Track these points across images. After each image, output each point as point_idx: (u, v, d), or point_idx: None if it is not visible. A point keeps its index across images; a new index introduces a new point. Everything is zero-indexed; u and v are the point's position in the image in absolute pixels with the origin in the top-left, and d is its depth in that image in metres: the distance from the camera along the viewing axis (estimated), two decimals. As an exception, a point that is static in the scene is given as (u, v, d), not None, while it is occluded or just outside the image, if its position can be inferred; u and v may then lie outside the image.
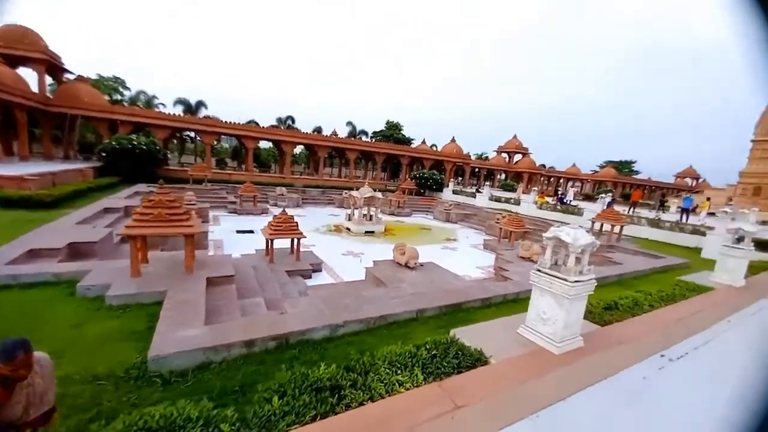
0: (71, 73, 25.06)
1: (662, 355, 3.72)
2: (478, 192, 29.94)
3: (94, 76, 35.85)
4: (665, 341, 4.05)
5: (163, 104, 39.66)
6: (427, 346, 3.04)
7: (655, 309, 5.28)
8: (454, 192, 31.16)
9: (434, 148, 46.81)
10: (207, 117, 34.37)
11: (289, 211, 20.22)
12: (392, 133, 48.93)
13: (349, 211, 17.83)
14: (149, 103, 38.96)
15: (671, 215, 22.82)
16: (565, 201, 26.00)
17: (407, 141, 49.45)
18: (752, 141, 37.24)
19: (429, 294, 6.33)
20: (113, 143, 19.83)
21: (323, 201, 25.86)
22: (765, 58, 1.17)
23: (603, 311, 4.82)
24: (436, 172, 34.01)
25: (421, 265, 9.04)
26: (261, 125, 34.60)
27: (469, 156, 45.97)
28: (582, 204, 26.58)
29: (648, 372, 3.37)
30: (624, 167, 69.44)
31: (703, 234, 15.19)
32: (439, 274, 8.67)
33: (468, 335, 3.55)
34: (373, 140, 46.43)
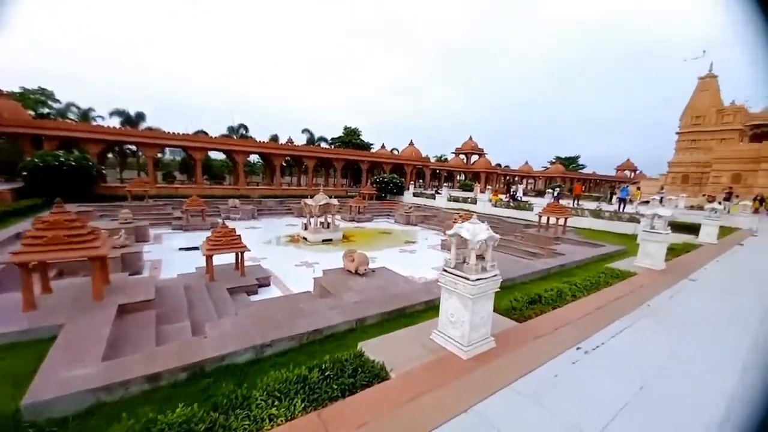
0: (-15, 86, 22.47)
1: (578, 348, 3.63)
2: (437, 193, 30.48)
3: (17, 89, 32.53)
4: (582, 332, 3.98)
5: (101, 117, 36.66)
6: (323, 366, 2.78)
7: (578, 299, 5.27)
8: (415, 194, 31.51)
9: (395, 152, 47.22)
10: (148, 128, 32.24)
11: (244, 224, 19.46)
12: (351, 138, 48.77)
13: (305, 220, 17.37)
14: (85, 115, 35.77)
15: (612, 206, 24.53)
16: (516, 198, 27.11)
17: (366, 146, 49.47)
18: (677, 133, 41.23)
19: (372, 301, 6.14)
20: (36, 161, 17.92)
21: (281, 211, 25.07)
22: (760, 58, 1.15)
23: (526, 306, 4.73)
24: (396, 176, 34.22)
25: (372, 271, 8.87)
26: (211, 135, 32.94)
27: (428, 158, 46.82)
28: (532, 200, 27.90)
29: (560, 368, 3.23)
30: (570, 163, 74.18)
31: (638, 221, 16.36)
32: (388, 278, 8.53)
33: (376, 347, 3.33)
34: (332, 147, 45.99)
